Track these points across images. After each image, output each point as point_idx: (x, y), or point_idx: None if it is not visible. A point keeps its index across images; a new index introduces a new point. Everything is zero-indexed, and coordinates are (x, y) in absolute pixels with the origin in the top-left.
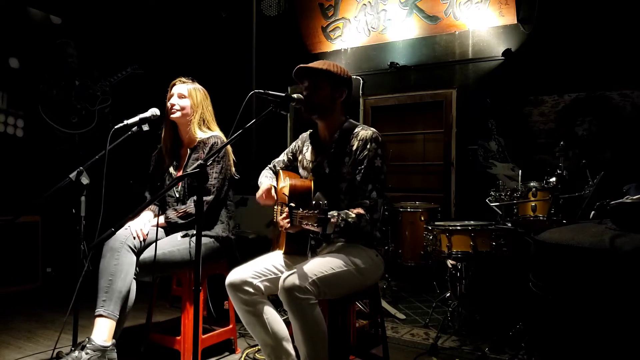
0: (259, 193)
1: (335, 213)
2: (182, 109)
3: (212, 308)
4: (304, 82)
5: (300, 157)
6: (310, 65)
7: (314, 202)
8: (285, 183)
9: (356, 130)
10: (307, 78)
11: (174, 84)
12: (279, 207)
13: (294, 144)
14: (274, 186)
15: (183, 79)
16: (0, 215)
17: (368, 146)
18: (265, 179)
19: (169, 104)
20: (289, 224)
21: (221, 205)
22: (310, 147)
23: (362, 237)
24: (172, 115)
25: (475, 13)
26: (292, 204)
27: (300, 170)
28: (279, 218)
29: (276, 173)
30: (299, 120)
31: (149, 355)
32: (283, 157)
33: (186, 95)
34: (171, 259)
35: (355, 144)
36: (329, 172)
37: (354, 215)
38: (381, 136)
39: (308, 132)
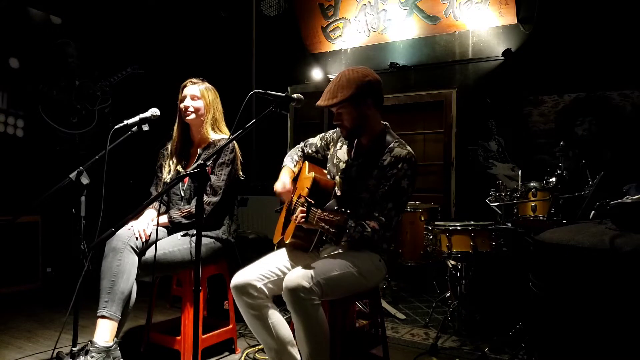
0: (278, 186)
1: (352, 224)
2: (197, 110)
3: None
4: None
5: (332, 151)
6: (323, 103)
7: (335, 207)
8: (310, 175)
9: (392, 145)
10: (331, 107)
11: (185, 85)
12: (295, 198)
13: (330, 133)
14: (293, 170)
15: (194, 80)
16: (0, 215)
17: (399, 165)
18: (289, 162)
19: (182, 107)
20: (304, 220)
21: (227, 207)
22: (345, 146)
23: (370, 246)
24: (187, 118)
25: (475, 13)
26: (312, 201)
27: (329, 165)
28: (297, 210)
29: (304, 156)
30: (299, 120)
31: (149, 355)
32: (317, 141)
33: (199, 97)
34: (172, 259)
35: (387, 160)
36: (356, 178)
37: (369, 230)
38: (415, 157)
39: None
